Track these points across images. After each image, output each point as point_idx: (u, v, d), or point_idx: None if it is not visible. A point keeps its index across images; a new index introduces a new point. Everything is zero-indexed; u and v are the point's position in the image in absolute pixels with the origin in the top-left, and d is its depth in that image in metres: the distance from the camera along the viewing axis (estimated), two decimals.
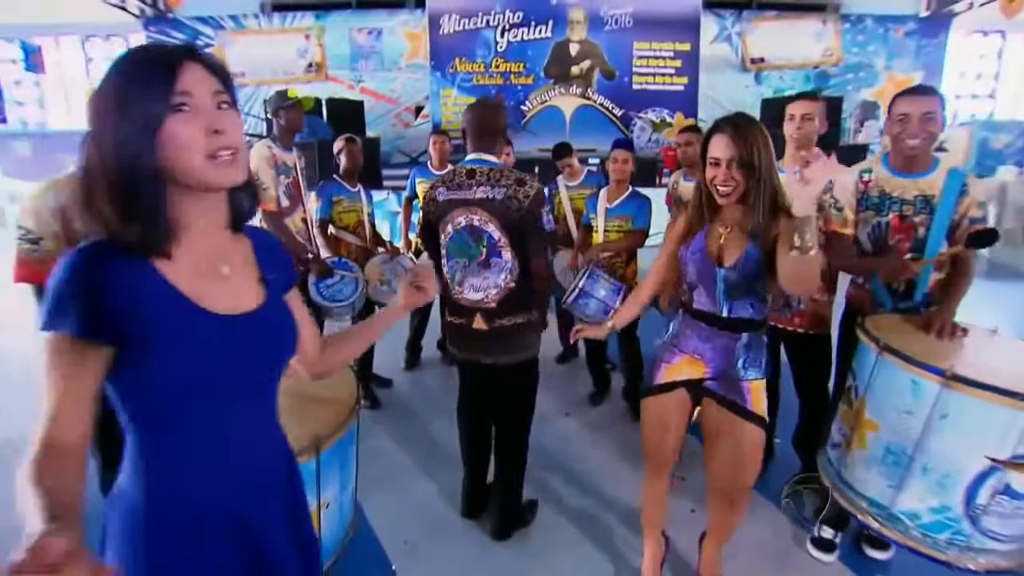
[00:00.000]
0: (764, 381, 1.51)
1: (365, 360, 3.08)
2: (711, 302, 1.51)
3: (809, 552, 1.91)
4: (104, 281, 0.69)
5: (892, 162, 1.80)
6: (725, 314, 1.49)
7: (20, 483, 0.62)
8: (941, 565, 1.41)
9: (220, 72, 0.76)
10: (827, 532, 1.90)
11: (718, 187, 1.42)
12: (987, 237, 1.57)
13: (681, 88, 9.25)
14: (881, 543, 1.87)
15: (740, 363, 1.49)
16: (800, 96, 2.16)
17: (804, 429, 2.19)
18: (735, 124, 1.40)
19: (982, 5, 8.67)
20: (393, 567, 1.89)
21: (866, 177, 1.83)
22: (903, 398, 1.43)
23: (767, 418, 1.51)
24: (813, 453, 1.89)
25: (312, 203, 2.96)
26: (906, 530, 1.45)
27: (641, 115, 9.25)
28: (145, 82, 0.70)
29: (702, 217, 1.52)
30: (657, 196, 2.99)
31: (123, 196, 0.70)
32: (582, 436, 2.74)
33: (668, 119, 9.13)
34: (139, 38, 8.90)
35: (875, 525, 1.50)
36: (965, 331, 1.58)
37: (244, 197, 0.83)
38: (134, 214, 0.71)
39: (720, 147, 1.40)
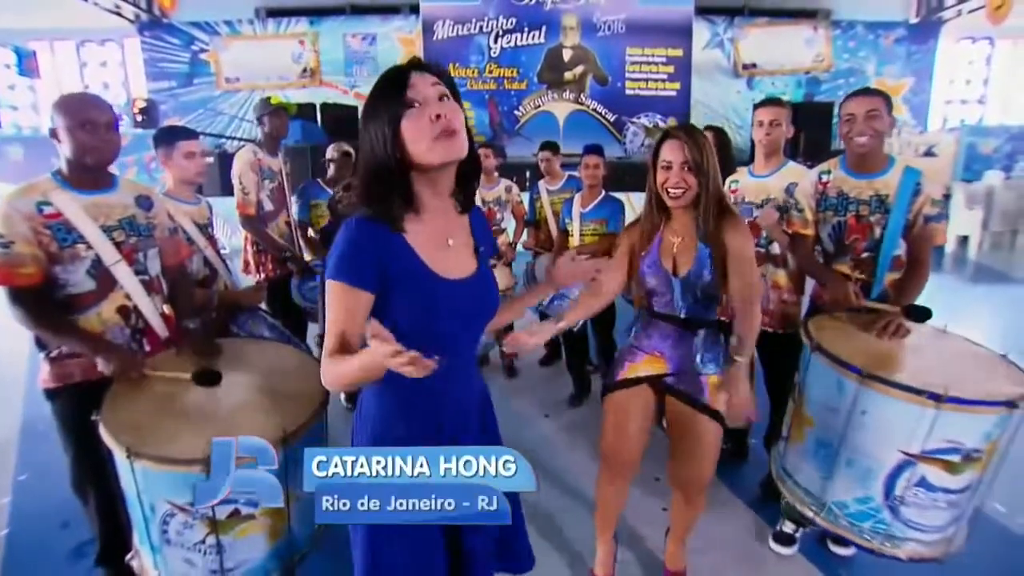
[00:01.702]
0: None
1: None
2: (670, 306, 1.57)
3: (770, 546, 1.94)
4: (371, 245, 0.93)
5: (848, 163, 1.85)
6: (683, 315, 1.56)
7: (336, 375, 0.92)
8: (867, 552, 1.51)
9: (440, 75, 0.95)
10: (788, 527, 1.93)
11: (669, 190, 1.48)
12: (921, 313, 1.60)
13: (673, 94, 9.32)
14: (845, 540, 1.91)
15: (699, 359, 1.54)
16: (766, 102, 2.20)
17: (775, 429, 2.22)
18: (686, 130, 1.48)
19: (970, 12, 8.76)
20: None
21: (824, 178, 1.88)
22: (830, 395, 1.51)
23: (724, 413, 1.54)
24: None
25: (293, 205, 2.99)
26: (835, 519, 1.54)
27: (634, 120, 9.31)
28: (386, 93, 0.92)
29: (654, 224, 1.57)
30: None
31: (375, 182, 0.94)
32: (561, 437, 2.77)
33: (661, 124, 9.19)
34: (134, 43, 8.95)
35: (809, 514, 1.58)
36: (907, 331, 1.62)
37: (469, 183, 1.03)
38: (382, 196, 0.94)
39: (672, 151, 1.47)
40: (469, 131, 0.96)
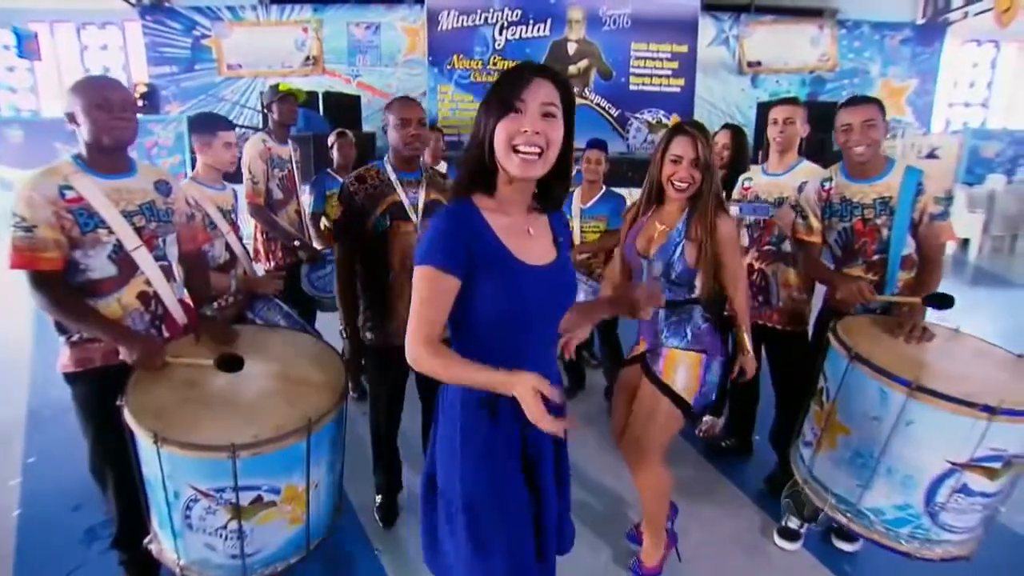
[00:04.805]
0: (691, 354, 1.64)
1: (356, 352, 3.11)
2: None
3: (774, 541, 1.96)
4: (460, 231, 0.99)
5: (848, 169, 1.88)
6: None
7: (452, 375, 1.00)
8: (901, 555, 1.49)
9: (562, 87, 1.00)
10: (793, 523, 1.95)
11: (675, 183, 1.57)
12: (942, 300, 1.60)
13: (678, 90, 9.29)
14: (849, 535, 1.93)
15: (663, 334, 1.68)
16: (781, 101, 2.22)
17: (780, 426, 2.23)
18: (699, 128, 1.56)
19: (977, 15, 8.77)
20: (377, 549, 1.95)
21: (827, 186, 1.91)
22: (871, 405, 1.49)
23: (675, 388, 1.64)
24: (789, 450, 1.93)
25: (306, 196, 3.00)
26: (871, 524, 1.53)
27: (637, 116, 9.29)
28: (503, 89, 0.97)
29: (643, 210, 1.69)
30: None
31: (469, 165, 1.03)
32: (571, 432, 2.78)
33: (664, 120, 9.17)
34: (135, 27, 8.86)
35: (843, 520, 1.57)
36: (932, 334, 1.64)
37: (554, 192, 1.09)
38: (471, 178, 1.03)
39: (684, 147, 1.55)
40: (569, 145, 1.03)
